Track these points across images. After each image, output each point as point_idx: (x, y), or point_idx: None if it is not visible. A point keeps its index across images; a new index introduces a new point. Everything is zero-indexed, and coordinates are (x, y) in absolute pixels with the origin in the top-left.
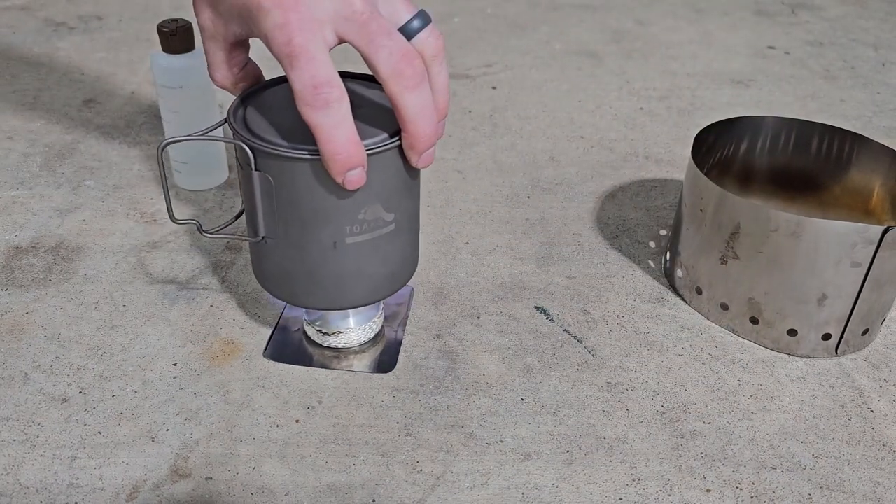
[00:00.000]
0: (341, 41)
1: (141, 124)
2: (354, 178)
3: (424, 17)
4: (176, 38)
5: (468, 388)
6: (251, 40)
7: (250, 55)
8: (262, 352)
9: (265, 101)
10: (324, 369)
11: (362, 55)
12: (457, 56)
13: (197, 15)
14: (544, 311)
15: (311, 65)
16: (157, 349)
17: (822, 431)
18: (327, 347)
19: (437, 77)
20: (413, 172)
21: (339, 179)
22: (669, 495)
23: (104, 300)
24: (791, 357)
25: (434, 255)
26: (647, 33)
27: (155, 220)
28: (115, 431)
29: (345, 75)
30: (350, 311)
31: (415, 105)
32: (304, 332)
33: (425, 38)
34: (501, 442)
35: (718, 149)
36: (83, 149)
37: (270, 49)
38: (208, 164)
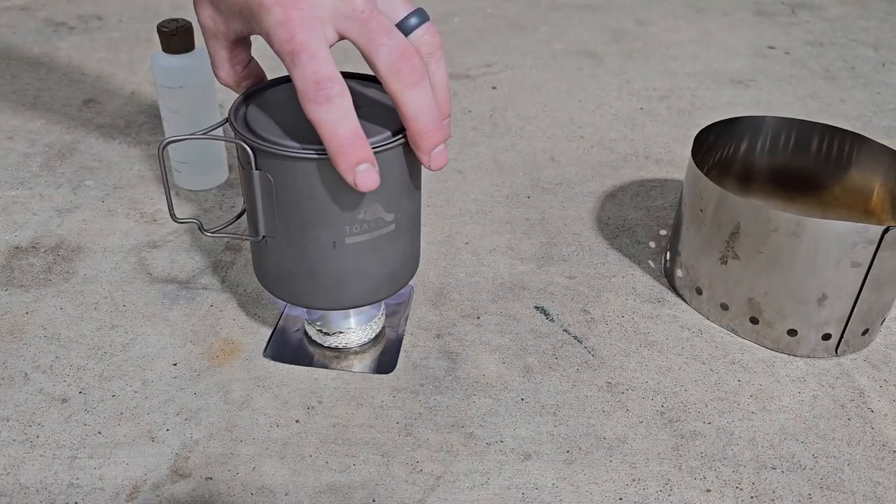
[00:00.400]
0: (342, 38)
1: (141, 124)
2: (364, 174)
3: (421, 15)
4: (176, 38)
5: (468, 388)
6: (253, 38)
7: (251, 54)
8: (262, 352)
9: (266, 101)
10: (324, 369)
11: (362, 53)
12: (457, 56)
13: (197, 14)
14: (544, 311)
15: (312, 61)
16: (157, 349)
17: (822, 431)
18: (328, 347)
19: (434, 74)
20: (414, 173)
21: (349, 178)
22: (669, 495)
23: (104, 300)
24: (791, 357)
25: (434, 255)
26: (647, 33)
27: (155, 220)
28: (115, 431)
29: (346, 75)
30: (351, 311)
31: (415, 102)
32: (305, 332)
33: (421, 35)
34: (501, 442)
35: (718, 149)
36: (83, 149)
37: (272, 46)
38: (208, 164)
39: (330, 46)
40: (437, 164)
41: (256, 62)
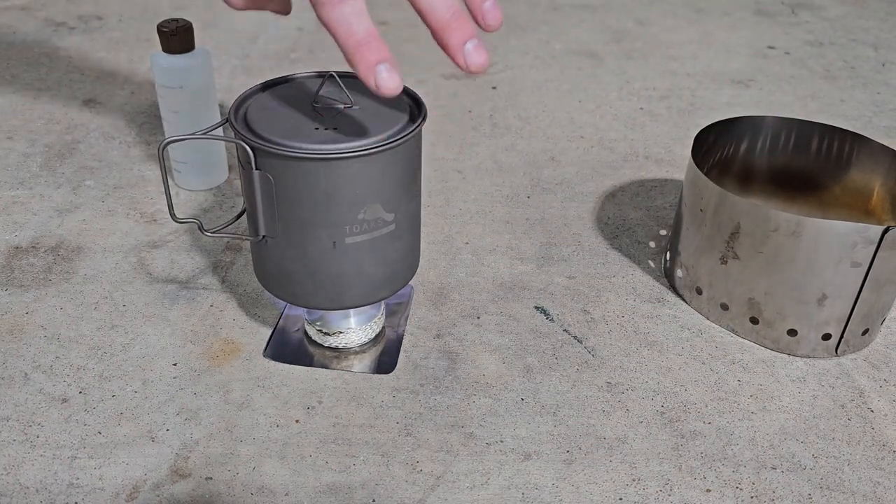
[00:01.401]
0: None
1: (141, 124)
2: (387, 75)
3: None
4: (176, 38)
5: (468, 388)
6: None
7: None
8: (262, 352)
9: (266, 101)
10: (324, 369)
11: None
12: None
13: None
14: (544, 311)
15: None
16: (157, 349)
17: (822, 431)
18: (328, 347)
19: None
20: (414, 173)
21: (371, 80)
22: (669, 495)
23: (104, 300)
24: (791, 357)
25: (434, 255)
26: (647, 33)
27: (155, 220)
28: (115, 431)
29: (346, 75)
30: (351, 311)
31: None
32: (305, 332)
33: None
34: (501, 442)
35: (718, 149)
36: (83, 149)
37: None
38: (208, 164)
39: None
40: (474, 63)
41: None
